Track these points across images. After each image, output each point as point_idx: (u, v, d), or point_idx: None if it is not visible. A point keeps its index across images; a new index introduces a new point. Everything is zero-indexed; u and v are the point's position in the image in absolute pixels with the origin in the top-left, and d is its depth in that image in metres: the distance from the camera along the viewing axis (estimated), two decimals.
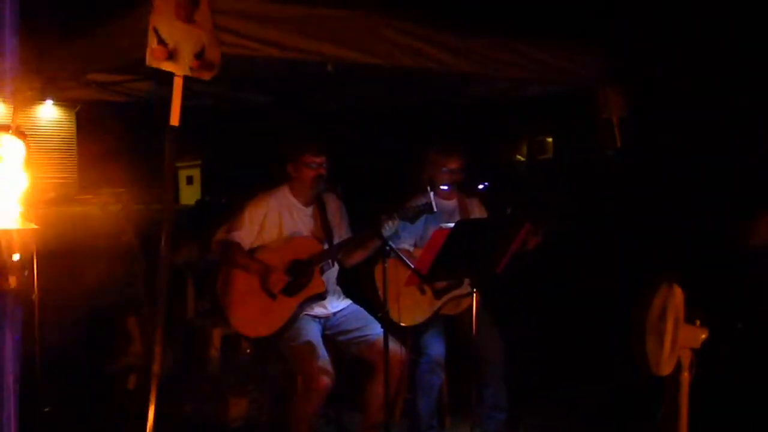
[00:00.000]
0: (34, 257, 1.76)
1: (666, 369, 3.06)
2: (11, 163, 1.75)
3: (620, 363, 3.58)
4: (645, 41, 4.11)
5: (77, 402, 3.50)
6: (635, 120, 3.90)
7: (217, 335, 3.80)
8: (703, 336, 2.99)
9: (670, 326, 3.02)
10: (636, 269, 3.74)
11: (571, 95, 4.35)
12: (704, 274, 3.41)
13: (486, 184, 3.30)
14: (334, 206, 3.39)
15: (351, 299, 3.43)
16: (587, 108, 4.00)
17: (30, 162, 1.92)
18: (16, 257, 1.59)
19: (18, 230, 1.57)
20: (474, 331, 2.92)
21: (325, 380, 2.96)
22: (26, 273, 1.62)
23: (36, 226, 1.63)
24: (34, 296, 2.66)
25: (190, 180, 14.21)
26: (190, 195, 13.29)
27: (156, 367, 2.48)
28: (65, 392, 3.44)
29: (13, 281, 1.58)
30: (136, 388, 3.62)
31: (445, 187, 3.44)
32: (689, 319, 2.99)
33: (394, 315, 3.15)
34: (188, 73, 2.56)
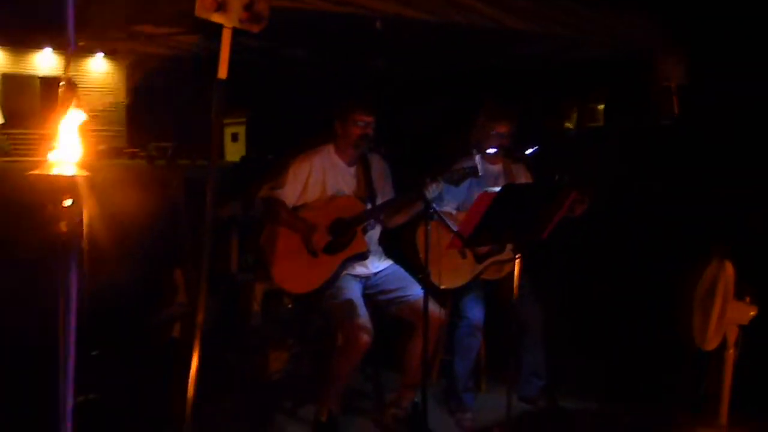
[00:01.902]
0: (85, 204, 1.78)
1: (711, 344, 3.00)
2: (66, 113, 1.78)
3: (664, 334, 3.53)
4: (709, 5, 3.92)
5: (123, 348, 3.61)
6: (694, 88, 3.75)
7: (259, 290, 3.86)
8: (752, 313, 2.92)
9: (718, 301, 2.95)
10: (686, 242, 3.65)
11: (626, 61, 4.21)
12: (757, 250, 3.31)
13: (536, 148, 3.23)
14: (378, 167, 3.38)
15: (392, 260, 3.44)
16: (643, 74, 3.86)
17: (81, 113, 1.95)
18: (68, 203, 1.62)
19: (71, 177, 1.60)
20: (515, 297, 2.90)
21: (365, 338, 2.99)
22: (77, 219, 1.66)
23: (88, 173, 1.65)
24: (84, 243, 2.73)
25: (235, 137, 14.34)
26: (235, 152, 13.42)
27: (200, 318, 2.53)
28: (112, 338, 3.55)
29: (64, 226, 1.62)
30: (181, 337, 3.72)
31: (492, 151, 3.38)
32: (739, 296, 2.92)
33: (434, 278, 3.14)
34: (237, 24, 2.54)
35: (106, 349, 3.41)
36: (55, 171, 1.57)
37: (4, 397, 2.98)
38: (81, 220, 1.66)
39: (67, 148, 1.63)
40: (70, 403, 1.88)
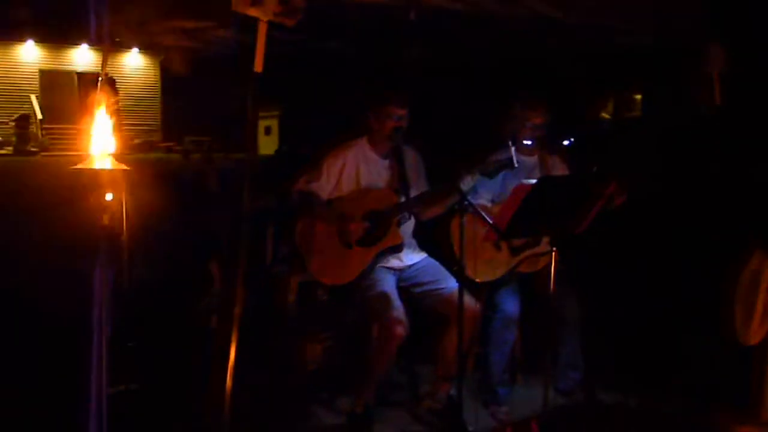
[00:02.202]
0: (124, 198, 1.81)
1: (755, 339, 2.94)
2: (105, 109, 1.80)
3: (704, 328, 3.46)
4: None
5: (162, 338, 3.67)
6: (735, 77, 3.65)
7: (294, 282, 3.88)
8: None
9: (762, 295, 2.89)
10: (728, 235, 3.56)
11: (666, 49, 4.12)
12: None
13: (572, 140, 3.18)
14: (412, 159, 3.37)
15: (426, 253, 3.43)
16: (684, 63, 3.78)
17: (117, 108, 1.98)
18: (109, 196, 1.64)
19: (111, 171, 1.62)
20: (551, 290, 2.87)
21: (400, 330, 2.99)
22: (118, 213, 1.68)
23: (127, 168, 1.68)
24: (123, 236, 2.78)
25: (268, 130, 14.45)
26: (268, 145, 13.53)
27: (238, 310, 2.55)
28: (151, 329, 3.61)
29: (106, 219, 1.65)
30: (217, 328, 3.76)
31: (529, 143, 3.35)
32: None
33: (469, 271, 3.13)
34: (272, 18, 2.55)
35: (143, 341, 3.47)
36: (96, 165, 1.59)
37: (42, 388, 3.06)
38: (121, 214, 1.68)
39: (106, 144, 1.65)
40: (104, 392, 1.92)
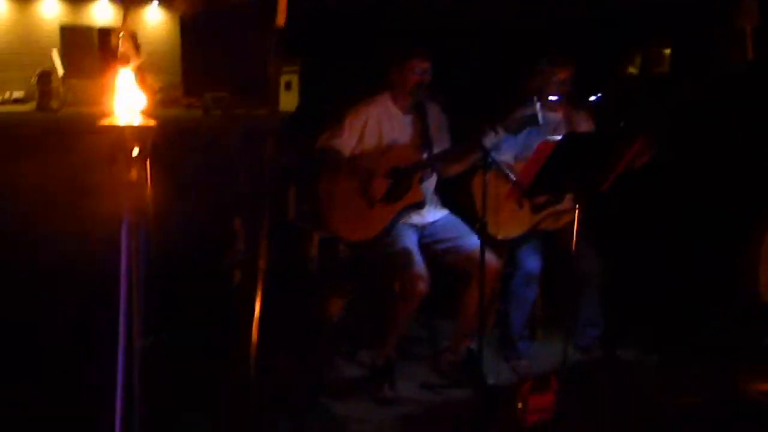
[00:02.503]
0: (150, 153, 1.82)
1: None
2: (130, 63, 1.80)
3: (728, 287, 3.45)
4: None
5: (186, 294, 3.74)
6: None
7: (316, 238, 3.92)
8: None
9: None
10: (754, 193, 3.52)
11: (693, 3, 3.99)
12: None
13: (599, 95, 3.12)
14: (435, 115, 3.34)
15: (448, 208, 3.43)
16: (714, 17, 3.66)
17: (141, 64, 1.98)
18: (135, 151, 1.66)
19: (138, 127, 1.63)
20: (573, 247, 2.86)
21: (421, 286, 3.02)
22: (145, 169, 1.70)
23: (154, 123, 1.69)
24: (148, 192, 2.81)
25: (288, 86, 14.34)
26: (288, 101, 13.45)
27: (262, 263, 2.59)
28: (175, 285, 3.67)
29: (134, 174, 1.67)
30: (241, 282, 3.82)
31: (554, 98, 3.29)
32: None
33: (491, 228, 3.13)
34: None
35: (169, 296, 3.54)
36: (123, 121, 1.60)
37: (75, 336, 3.15)
38: (148, 170, 1.70)
39: (134, 99, 1.66)
40: (138, 342, 1.97)
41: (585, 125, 3.46)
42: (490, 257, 3.06)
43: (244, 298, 2.85)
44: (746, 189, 3.81)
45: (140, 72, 1.90)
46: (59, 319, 3.41)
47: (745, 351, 3.27)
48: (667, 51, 6.31)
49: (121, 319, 1.95)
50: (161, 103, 14.49)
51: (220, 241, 4.09)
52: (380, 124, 3.29)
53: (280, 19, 2.47)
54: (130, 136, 1.60)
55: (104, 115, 1.73)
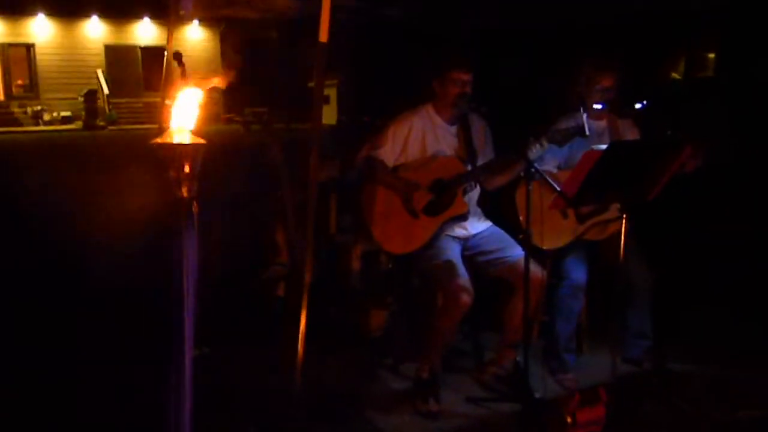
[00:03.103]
0: (198, 170, 1.86)
1: None
2: (180, 83, 1.84)
3: None
4: None
5: (231, 307, 3.78)
6: None
7: (358, 250, 3.94)
8: None
9: None
10: None
11: (739, 5, 3.91)
12: None
13: (644, 103, 3.08)
14: (478, 126, 3.33)
15: (491, 220, 3.41)
16: (760, 19, 3.58)
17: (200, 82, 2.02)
18: (187, 170, 1.69)
19: (189, 145, 1.67)
20: (621, 258, 2.81)
21: (465, 298, 3.00)
22: (195, 186, 1.73)
23: (204, 141, 1.72)
24: (195, 208, 2.86)
25: (327, 99, 14.48)
26: (327, 114, 13.58)
27: (308, 278, 2.61)
28: (220, 298, 3.72)
29: (185, 191, 1.70)
30: (286, 296, 3.86)
31: (599, 106, 3.25)
32: None
33: (536, 238, 3.10)
34: None
35: (213, 311, 3.59)
36: (176, 139, 1.64)
37: (132, 352, 3.21)
38: (198, 187, 1.73)
39: (185, 117, 1.70)
40: (189, 354, 2.00)
41: (630, 133, 3.40)
42: (535, 268, 3.03)
43: (289, 311, 2.88)
44: None
45: (198, 94, 1.92)
46: (109, 333, 3.49)
47: None
48: (711, 55, 6.19)
49: (176, 331, 1.99)
50: (203, 119, 14.78)
51: (264, 255, 4.14)
52: (424, 135, 3.29)
53: (323, 35, 2.51)
54: (182, 154, 1.63)
55: (152, 132, 1.77)
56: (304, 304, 2.62)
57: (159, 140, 1.63)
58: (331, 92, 14.23)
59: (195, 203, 1.91)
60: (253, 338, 3.54)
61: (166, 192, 1.78)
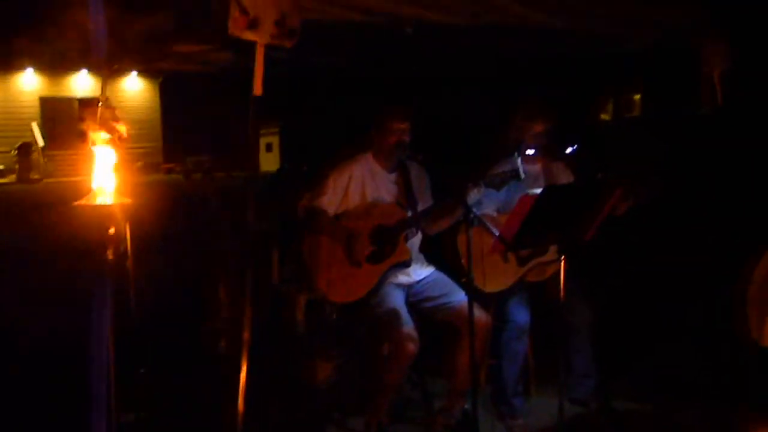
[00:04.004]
0: (128, 230, 1.80)
1: None
2: (105, 141, 1.79)
3: (718, 331, 3.43)
4: None
5: (172, 364, 3.65)
6: (739, 76, 3.62)
7: (302, 300, 3.87)
8: None
9: None
10: (738, 235, 3.54)
11: (661, 48, 4.10)
12: None
13: (575, 147, 3.16)
14: (417, 173, 3.35)
15: (433, 265, 3.41)
16: (683, 63, 3.76)
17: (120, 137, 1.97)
18: (112, 231, 1.63)
19: (113, 205, 1.61)
20: (562, 298, 2.84)
21: (411, 347, 2.96)
22: (122, 246, 1.67)
23: (129, 200, 1.66)
24: (129, 264, 2.77)
25: (269, 147, 14.45)
26: (269, 162, 13.52)
27: (246, 334, 2.54)
28: (160, 355, 3.58)
29: (110, 254, 1.64)
30: (227, 352, 3.74)
31: (532, 152, 3.32)
32: None
33: (478, 282, 3.10)
34: (270, 41, 2.55)
35: (152, 367, 3.45)
36: (98, 201, 1.58)
37: (51, 421, 3.04)
38: (126, 247, 1.67)
39: (108, 178, 1.64)
40: (114, 422, 1.90)
41: (564, 176, 3.48)
42: (479, 313, 3.02)
43: (228, 368, 2.79)
44: (735, 229, 3.83)
45: (121, 145, 1.88)
46: (33, 398, 3.30)
47: (742, 396, 3.22)
48: (637, 96, 6.48)
49: (102, 398, 1.89)
50: (142, 169, 14.51)
51: (205, 309, 4.02)
52: (364, 183, 3.29)
53: (257, 89, 2.50)
54: (106, 216, 1.58)
55: (84, 185, 1.71)
56: (244, 359, 2.54)
57: (81, 202, 1.57)
58: (274, 139, 14.22)
59: (125, 262, 1.84)
60: (192, 396, 3.41)
61: (92, 253, 1.72)
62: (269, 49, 2.63)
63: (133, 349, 3.02)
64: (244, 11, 2.46)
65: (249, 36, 2.51)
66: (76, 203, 1.59)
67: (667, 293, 4.17)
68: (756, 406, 3.15)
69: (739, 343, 3.08)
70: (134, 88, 18.20)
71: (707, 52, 3.59)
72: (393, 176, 3.32)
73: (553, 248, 3.29)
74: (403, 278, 3.27)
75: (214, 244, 4.64)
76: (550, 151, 3.38)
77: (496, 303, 3.40)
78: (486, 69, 5.00)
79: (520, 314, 3.32)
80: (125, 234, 1.71)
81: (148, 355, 3.41)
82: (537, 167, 3.45)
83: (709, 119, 3.85)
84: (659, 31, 3.56)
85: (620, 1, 3.39)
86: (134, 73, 17.00)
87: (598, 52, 4.22)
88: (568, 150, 3.20)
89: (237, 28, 2.47)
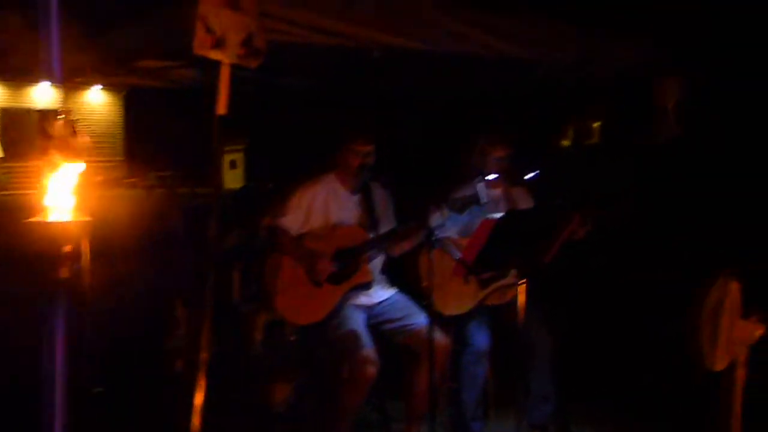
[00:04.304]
0: (86, 247, 1.77)
1: (720, 365, 2.97)
2: (64, 155, 1.77)
3: (673, 356, 3.49)
4: (702, 26, 3.94)
5: (127, 384, 3.57)
6: (693, 107, 3.75)
7: (261, 320, 3.83)
8: (759, 332, 2.89)
9: (725, 321, 2.93)
10: (691, 262, 3.63)
11: (621, 80, 4.22)
12: (763, 268, 3.28)
13: (536, 173, 3.23)
14: (380, 195, 3.37)
15: (395, 287, 3.42)
16: (638, 93, 3.88)
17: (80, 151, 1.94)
18: (67, 249, 1.60)
19: (70, 222, 1.58)
20: (521, 322, 2.87)
21: (371, 369, 2.96)
22: (78, 264, 1.64)
23: (88, 218, 1.64)
24: (86, 282, 2.71)
25: (233, 164, 14.33)
26: (234, 179, 13.40)
27: (204, 355, 2.51)
28: (116, 375, 3.51)
29: (65, 272, 1.60)
30: (183, 371, 3.68)
31: (494, 177, 3.38)
32: (746, 315, 2.89)
33: (438, 304, 3.12)
34: (235, 60, 2.55)
35: (108, 387, 3.38)
36: (52, 218, 1.55)
37: None
38: (80, 265, 1.64)
39: (65, 194, 1.62)
40: None
41: (524, 201, 3.54)
42: (439, 336, 3.04)
43: (185, 389, 2.74)
44: (689, 256, 3.93)
45: (81, 159, 1.86)
46: None
47: (696, 419, 3.28)
48: (596, 124, 6.66)
49: (56, 419, 1.84)
50: (103, 184, 14.26)
51: (163, 327, 3.96)
52: (327, 204, 3.29)
53: (221, 108, 2.50)
54: (61, 234, 1.55)
55: (39, 206, 1.68)
56: (201, 380, 2.51)
57: (33, 219, 1.53)
58: (239, 157, 14.12)
59: (82, 280, 1.81)
60: (148, 416, 3.35)
61: (44, 272, 1.68)
62: (235, 67, 2.64)
63: (88, 369, 2.96)
64: (210, 30, 2.46)
65: (215, 55, 2.51)
66: (29, 220, 1.56)
67: (626, 318, 4.24)
68: (708, 428, 3.21)
69: (694, 368, 3.14)
70: (97, 101, 17.94)
71: (660, 85, 3.71)
72: (356, 198, 3.34)
73: (513, 271, 3.33)
74: (364, 300, 3.27)
75: (175, 261, 4.58)
76: (511, 177, 3.44)
77: (456, 326, 3.42)
78: (451, 94, 5.08)
79: (480, 338, 3.34)
80: (83, 251, 1.68)
81: (104, 375, 3.34)
82: (498, 192, 3.50)
83: (665, 148, 3.98)
84: (618, 63, 3.67)
85: (580, 35, 3.49)
86: (97, 87, 16.77)
87: (560, 81, 4.32)
88: (529, 176, 3.26)
89: (203, 47, 2.47)
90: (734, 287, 2.91)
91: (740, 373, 2.91)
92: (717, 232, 3.70)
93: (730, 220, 3.71)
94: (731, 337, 2.93)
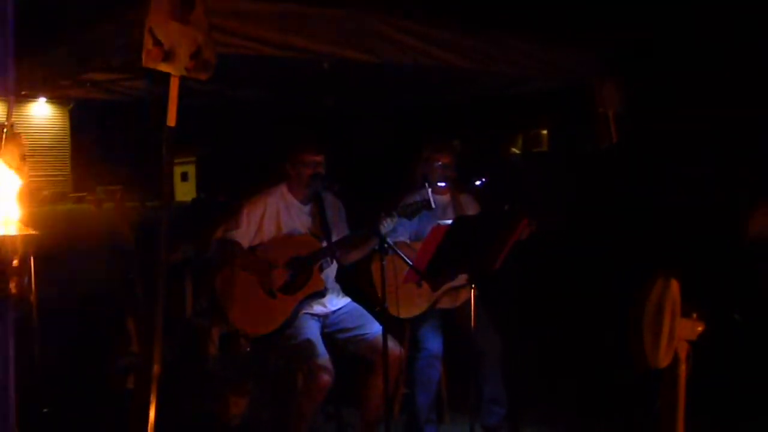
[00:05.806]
0: (32, 262, 1.75)
1: (663, 362, 3.08)
2: (7, 166, 1.75)
3: (618, 356, 3.60)
4: (640, 33, 4.11)
5: (77, 402, 3.50)
6: (633, 114, 3.89)
7: (215, 333, 3.80)
8: (700, 329, 3.00)
9: (667, 319, 3.03)
10: (633, 263, 3.75)
11: (566, 90, 4.35)
12: (701, 267, 3.43)
13: (483, 180, 3.31)
14: (332, 204, 3.40)
15: (349, 295, 3.45)
16: (582, 101, 4.00)
17: (24, 161, 1.92)
18: (15, 263, 1.58)
19: (17, 236, 1.57)
20: (472, 326, 2.93)
21: (326, 378, 2.97)
22: (26, 278, 1.62)
23: (35, 232, 1.62)
24: (32, 298, 2.66)
25: (185, 176, 14.19)
26: (185, 192, 13.26)
27: (156, 369, 2.48)
28: (65, 393, 3.44)
29: (13, 286, 1.58)
30: (136, 388, 3.62)
31: (442, 184, 3.46)
32: (686, 313, 3.01)
33: (392, 308, 3.16)
34: (184, 73, 2.55)
35: (57, 406, 3.31)
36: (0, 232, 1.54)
37: None
38: (30, 279, 1.62)
39: (11, 207, 1.60)
40: None
41: (471, 207, 3.63)
42: (393, 345, 3.07)
43: (137, 406, 2.71)
44: (632, 256, 4.05)
45: (25, 173, 1.84)
46: None
47: (637, 417, 3.38)
48: (545, 131, 6.85)
49: None
50: (49, 199, 13.90)
51: (112, 344, 3.89)
52: (278, 215, 3.31)
53: (170, 120, 2.49)
54: (10, 248, 1.53)
55: None
56: (153, 397, 2.48)
57: None
58: (190, 169, 13.98)
59: (29, 296, 1.79)
60: None
61: None
62: (185, 79, 2.63)
63: (36, 389, 2.90)
64: (158, 43, 2.46)
65: (164, 68, 2.50)
66: None
67: (575, 320, 4.35)
68: (652, 425, 3.31)
69: (637, 367, 3.24)
70: (42, 114, 17.47)
71: (600, 93, 3.85)
72: (308, 208, 3.36)
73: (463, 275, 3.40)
74: (318, 308, 3.29)
75: (125, 275, 4.51)
76: (458, 184, 3.52)
77: (410, 330, 3.46)
78: (400, 104, 5.16)
79: (433, 341, 3.39)
80: (29, 266, 1.66)
81: (52, 394, 3.27)
82: (446, 198, 3.58)
83: (606, 155, 4.11)
84: (561, 72, 3.78)
85: (523, 46, 3.59)
86: (42, 99, 16.35)
87: (506, 91, 4.43)
88: (477, 183, 3.34)
89: (151, 60, 2.46)
90: (674, 286, 3.02)
91: (682, 369, 3.02)
92: (655, 234, 3.84)
93: (667, 222, 3.86)
94: (673, 334, 3.03)
